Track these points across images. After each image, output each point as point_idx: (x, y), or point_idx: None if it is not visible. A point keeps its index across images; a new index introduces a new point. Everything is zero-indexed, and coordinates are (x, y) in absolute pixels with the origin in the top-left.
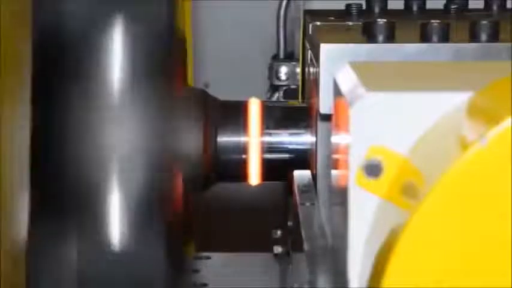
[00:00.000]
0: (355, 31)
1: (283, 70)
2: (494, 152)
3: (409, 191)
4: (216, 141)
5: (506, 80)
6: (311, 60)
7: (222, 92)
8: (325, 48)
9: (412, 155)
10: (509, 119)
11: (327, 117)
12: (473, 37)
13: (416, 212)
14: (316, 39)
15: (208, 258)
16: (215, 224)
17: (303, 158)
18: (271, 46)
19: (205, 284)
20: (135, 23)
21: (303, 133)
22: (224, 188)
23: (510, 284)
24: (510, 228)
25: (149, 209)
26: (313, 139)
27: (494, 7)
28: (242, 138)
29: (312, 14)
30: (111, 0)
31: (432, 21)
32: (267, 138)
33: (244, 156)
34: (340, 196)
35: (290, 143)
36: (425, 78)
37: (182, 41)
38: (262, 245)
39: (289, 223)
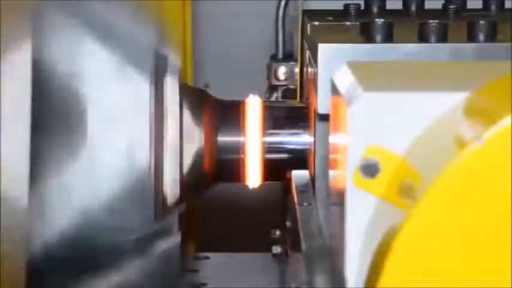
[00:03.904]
0: (353, 31)
1: (282, 70)
2: (490, 151)
3: (406, 191)
4: (216, 141)
5: (503, 80)
6: (309, 60)
7: (222, 92)
8: (323, 48)
9: (410, 154)
10: (506, 119)
11: (325, 117)
12: (471, 37)
13: (413, 212)
14: (314, 39)
15: (207, 258)
16: (214, 224)
17: (302, 158)
18: (271, 46)
19: (204, 284)
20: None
21: (302, 133)
22: (223, 188)
23: (507, 284)
24: (507, 227)
25: (149, 209)
26: (312, 139)
27: (493, 7)
28: (242, 138)
29: (310, 14)
30: None
31: (430, 21)
32: (267, 138)
33: (244, 156)
34: (337, 196)
35: (289, 143)
36: (422, 78)
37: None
38: (261, 245)
39: (288, 223)
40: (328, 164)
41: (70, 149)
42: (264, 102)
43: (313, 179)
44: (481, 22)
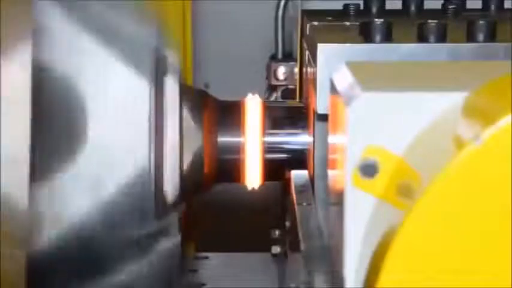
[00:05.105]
0: (352, 31)
1: (282, 70)
2: (489, 151)
3: (405, 191)
4: (216, 141)
5: (502, 79)
6: (309, 60)
7: (222, 92)
8: (322, 48)
9: (408, 154)
10: (505, 119)
11: (324, 117)
12: (471, 37)
13: (412, 212)
14: (313, 39)
15: (207, 258)
16: (214, 224)
17: (301, 158)
18: (271, 46)
19: (204, 284)
20: None
21: (302, 133)
22: (223, 188)
23: (506, 284)
24: (507, 227)
25: (149, 208)
26: (311, 139)
27: (492, 7)
28: (242, 139)
29: (309, 14)
30: None
31: (429, 21)
32: (267, 139)
33: (244, 156)
34: (336, 196)
35: (289, 143)
36: (421, 78)
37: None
38: (261, 245)
39: (287, 223)
40: (327, 164)
41: (70, 149)
42: (264, 102)
43: (312, 179)
44: (481, 22)
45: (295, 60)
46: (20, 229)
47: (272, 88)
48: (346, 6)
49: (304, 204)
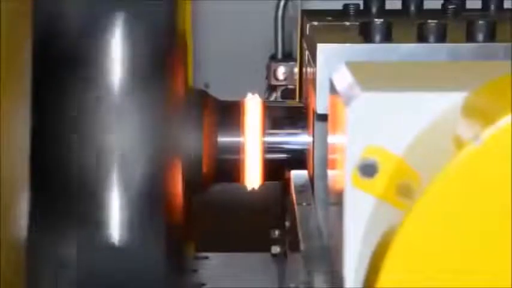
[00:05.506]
0: (352, 31)
1: (281, 70)
2: (489, 151)
3: (405, 191)
4: (216, 141)
5: (502, 79)
6: (308, 60)
7: (222, 92)
8: (322, 48)
9: (408, 154)
10: (505, 119)
11: (324, 117)
12: (470, 37)
13: (411, 212)
14: (313, 39)
15: (207, 258)
16: (214, 224)
17: (301, 158)
18: (271, 46)
19: (204, 284)
20: (136, 22)
21: (301, 133)
22: (223, 188)
23: (506, 284)
24: (506, 227)
25: (149, 208)
26: (311, 139)
27: (492, 7)
28: (242, 139)
29: (309, 14)
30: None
31: (429, 21)
32: (267, 139)
33: (244, 156)
34: (336, 196)
35: (288, 143)
36: (421, 78)
37: (182, 40)
38: (261, 245)
39: (287, 223)
40: (327, 164)
41: (68, 149)
42: (264, 102)
43: (312, 179)
44: (480, 22)
45: (295, 60)
46: (20, 229)
47: (272, 88)
48: (346, 6)
49: (304, 204)
